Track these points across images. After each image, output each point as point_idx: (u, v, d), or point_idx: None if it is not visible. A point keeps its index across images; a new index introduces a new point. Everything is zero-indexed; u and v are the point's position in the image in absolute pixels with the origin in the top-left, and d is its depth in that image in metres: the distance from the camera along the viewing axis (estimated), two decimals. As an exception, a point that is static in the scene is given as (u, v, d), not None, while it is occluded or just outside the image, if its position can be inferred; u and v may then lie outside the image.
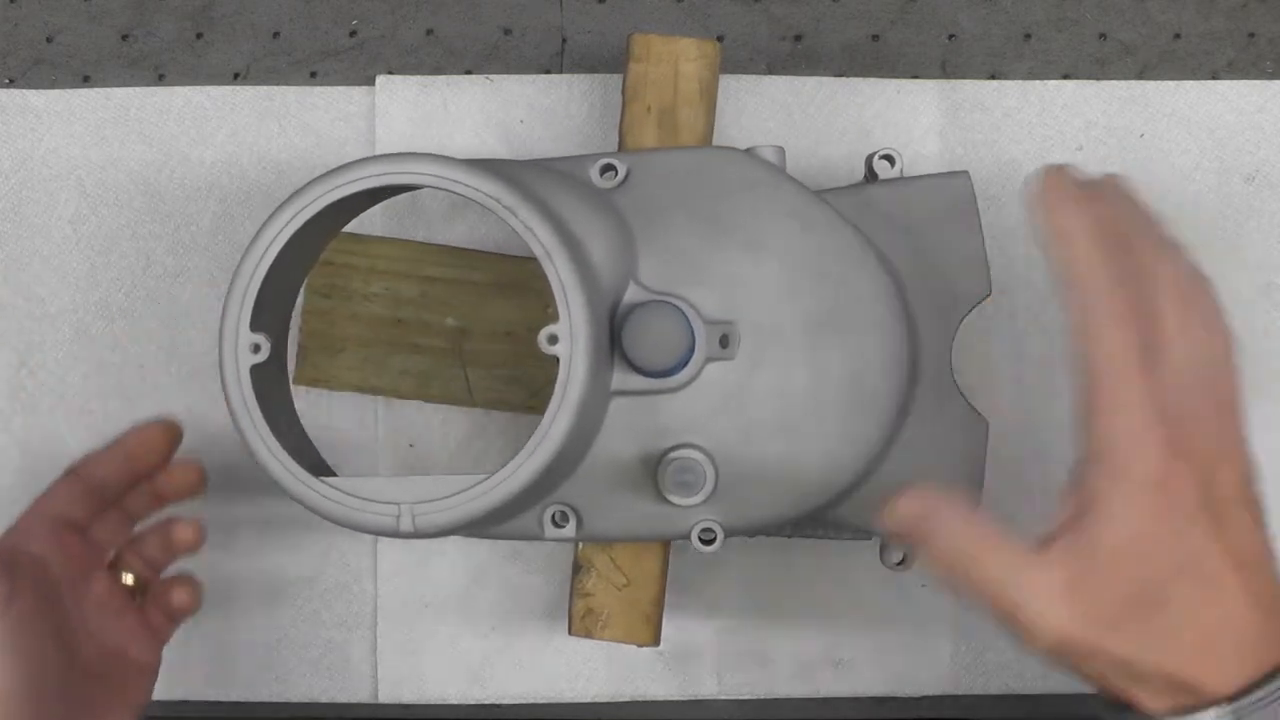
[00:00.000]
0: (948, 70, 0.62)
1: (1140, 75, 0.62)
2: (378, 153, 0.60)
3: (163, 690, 0.60)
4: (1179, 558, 0.38)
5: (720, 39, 0.62)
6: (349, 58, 0.63)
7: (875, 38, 0.63)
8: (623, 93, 0.55)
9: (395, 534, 0.46)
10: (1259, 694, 0.37)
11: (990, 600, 0.40)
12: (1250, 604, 0.38)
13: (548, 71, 0.62)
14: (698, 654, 0.60)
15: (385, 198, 0.49)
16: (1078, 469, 0.40)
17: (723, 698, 0.60)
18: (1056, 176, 0.42)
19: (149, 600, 0.53)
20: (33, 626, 0.47)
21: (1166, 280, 0.41)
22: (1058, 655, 0.39)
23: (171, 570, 0.54)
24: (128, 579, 0.52)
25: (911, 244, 0.51)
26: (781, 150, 0.51)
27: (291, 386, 0.52)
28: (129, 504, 0.53)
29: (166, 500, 0.54)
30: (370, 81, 0.62)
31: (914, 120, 0.61)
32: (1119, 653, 0.38)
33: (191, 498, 0.54)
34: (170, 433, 0.53)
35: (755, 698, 0.60)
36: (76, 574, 0.50)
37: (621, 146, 0.54)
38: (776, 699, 0.60)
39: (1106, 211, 0.42)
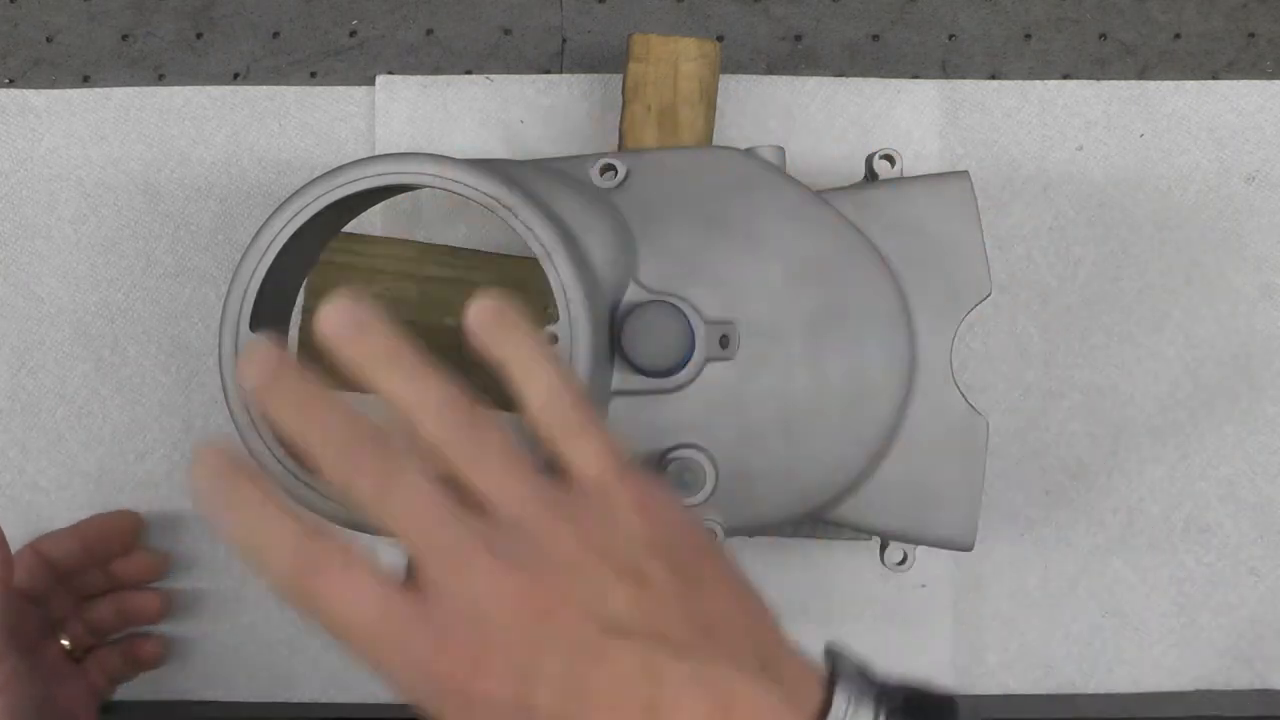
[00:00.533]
0: (948, 70, 0.62)
1: (1140, 75, 0.62)
2: (378, 153, 0.60)
3: (163, 690, 0.60)
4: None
5: (720, 39, 0.62)
6: (349, 58, 0.63)
7: (875, 38, 0.63)
8: (623, 93, 0.55)
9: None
10: None
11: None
12: None
13: (548, 71, 0.62)
14: (698, 654, 0.60)
15: (385, 198, 0.49)
16: None
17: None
18: (199, 474, 0.32)
19: (91, 662, 0.56)
20: (18, 688, 0.50)
21: (372, 484, 0.33)
22: None
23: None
24: (64, 643, 0.56)
25: (911, 244, 0.51)
26: (781, 150, 0.51)
27: (291, 386, 0.52)
28: (85, 581, 0.57)
29: (122, 584, 0.58)
30: (370, 81, 0.62)
31: (914, 120, 0.61)
32: None
33: (151, 582, 0.59)
34: (131, 524, 0.58)
35: (755, 698, 0.60)
36: (34, 641, 0.54)
37: (621, 146, 0.54)
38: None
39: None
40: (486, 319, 0.36)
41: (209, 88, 0.62)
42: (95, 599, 0.57)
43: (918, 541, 0.50)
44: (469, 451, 0.33)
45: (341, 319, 0.35)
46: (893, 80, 0.61)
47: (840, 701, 0.32)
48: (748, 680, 0.32)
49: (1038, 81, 0.62)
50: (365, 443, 0.33)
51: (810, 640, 0.60)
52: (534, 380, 0.35)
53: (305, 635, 0.60)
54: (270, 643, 0.60)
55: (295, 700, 0.60)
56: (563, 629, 0.31)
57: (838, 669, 0.34)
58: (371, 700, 0.60)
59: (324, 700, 0.60)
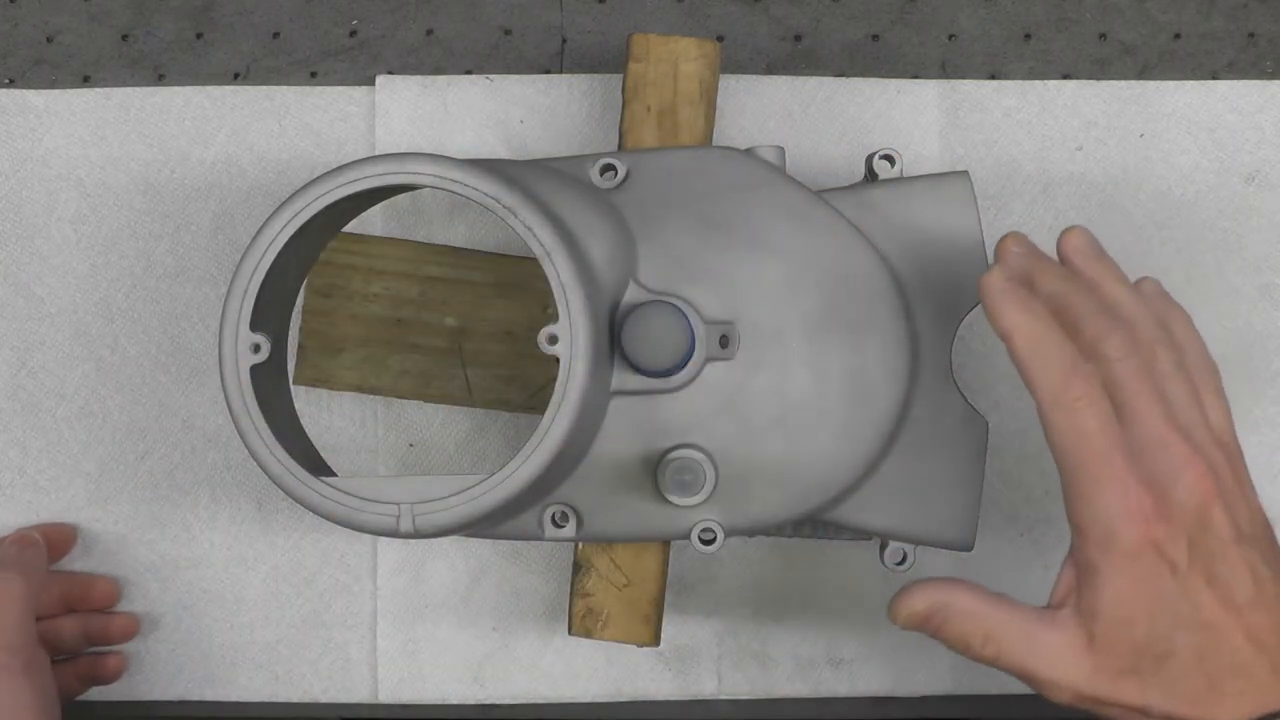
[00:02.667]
0: (948, 70, 0.62)
1: (1140, 75, 0.62)
2: (378, 153, 0.60)
3: (163, 690, 0.60)
4: (1174, 612, 0.41)
5: (720, 39, 0.62)
6: (349, 58, 0.63)
7: (875, 38, 0.63)
8: (623, 93, 0.55)
9: (395, 534, 0.46)
10: None
11: (1011, 667, 0.43)
12: (1250, 644, 0.41)
13: (548, 71, 0.62)
14: (698, 654, 0.60)
15: (385, 198, 0.49)
16: (1072, 541, 0.43)
17: (723, 698, 0.60)
18: (994, 277, 0.43)
19: (64, 666, 0.58)
20: (44, 670, 0.52)
21: (1120, 347, 0.42)
22: (1078, 708, 0.43)
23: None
24: None
25: (911, 244, 0.51)
26: (781, 150, 0.51)
27: (291, 386, 0.53)
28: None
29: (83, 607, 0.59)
30: (370, 81, 0.62)
31: (914, 120, 0.61)
32: (1132, 701, 0.41)
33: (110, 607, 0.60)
34: (68, 535, 0.60)
35: (755, 698, 0.60)
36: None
37: (621, 146, 0.54)
38: (776, 699, 0.60)
39: (1055, 289, 0.44)
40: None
41: (209, 88, 0.62)
42: (57, 619, 0.58)
43: (918, 541, 0.50)
44: (1169, 359, 0.43)
45: (1089, 240, 0.46)
46: (893, 80, 0.61)
47: None
48: (1270, 653, 0.41)
49: (1038, 81, 0.62)
50: (1114, 316, 0.43)
51: (810, 640, 0.60)
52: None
53: (305, 635, 0.60)
54: (269, 643, 0.60)
55: (294, 700, 0.60)
56: (1217, 518, 0.41)
57: None
58: (371, 700, 0.60)
59: (324, 700, 0.60)
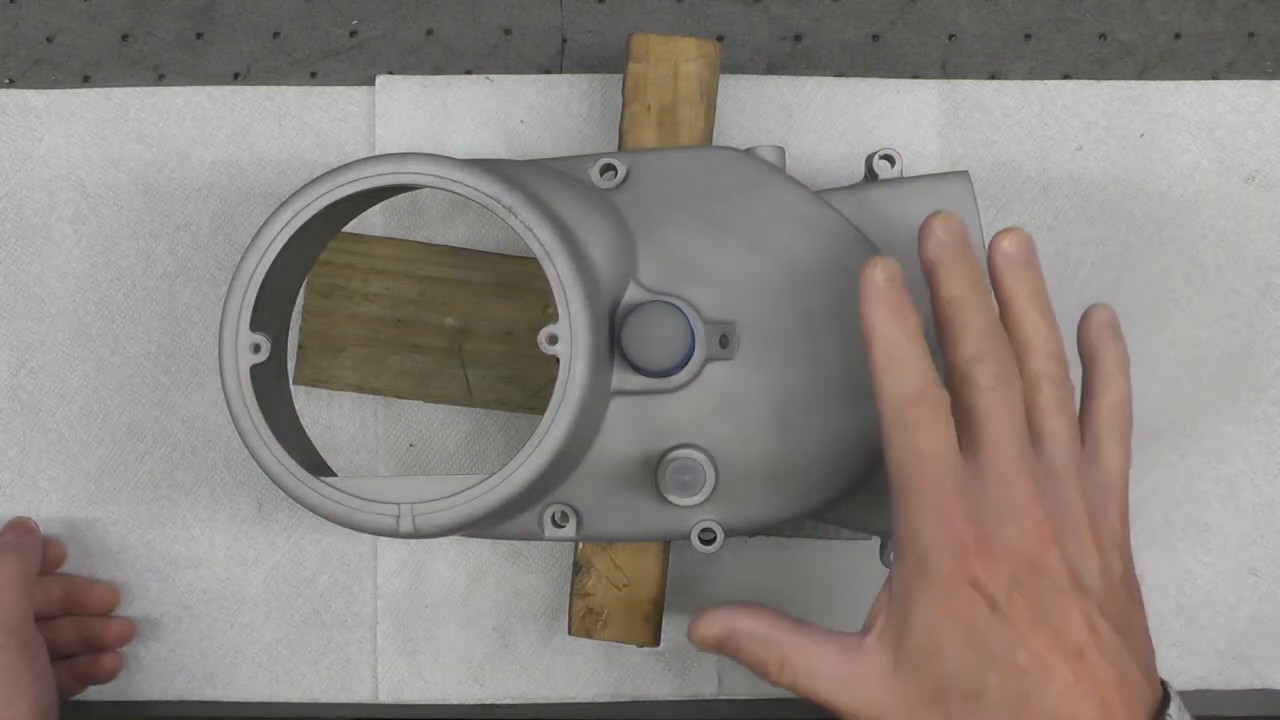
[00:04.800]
0: (948, 70, 0.62)
1: (1140, 75, 0.62)
2: (378, 153, 0.60)
3: (163, 690, 0.60)
4: (988, 650, 0.39)
5: (720, 39, 0.62)
6: (349, 58, 0.63)
7: (875, 38, 0.63)
8: (623, 93, 0.55)
9: (395, 534, 0.46)
10: None
11: (809, 694, 0.42)
12: (1088, 687, 0.39)
13: (548, 71, 0.62)
14: (698, 654, 0.60)
15: (385, 198, 0.49)
16: (892, 564, 0.42)
17: (723, 698, 0.60)
18: (875, 273, 0.41)
19: (61, 666, 0.57)
20: (43, 682, 0.52)
21: (992, 375, 0.41)
22: None
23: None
24: None
25: (912, 244, 0.51)
26: (781, 150, 0.51)
27: (291, 386, 0.53)
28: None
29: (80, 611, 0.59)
30: (370, 81, 0.62)
31: (914, 120, 0.61)
32: None
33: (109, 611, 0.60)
34: (55, 554, 0.59)
35: (755, 698, 0.60)
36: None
37: (621, 146, 0.54)
38: (776, 699, 0.60)
39: (953, 294, 0.42)
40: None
41: (209, 88, 0.62)
42: (55, 620, 0.58)
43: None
44: (1053, 396, 0.42)
45: (1021, 247, 0.43)
46: (893, 80, 0.61)
47: (1174, 709, 0.40)
48: (1137, 672, 0.40)
49: (1038, 81, 0.62)
50: (1000, 340, 0.42)
51: (810, 640, 0.60)
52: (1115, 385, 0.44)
53: (305, 635, 0.60)
54: (269, 643, 0.60)
55: (295, 700, 0.60)
56: (1051, 563, 0.39)
57: (1168, 689, 0.41)
58: (371, 700, 0.60)
59: (324, 700, 0.60)
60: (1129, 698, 0.39)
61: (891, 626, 0.41)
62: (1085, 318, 0.45)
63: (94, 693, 0.59)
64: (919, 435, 0.40)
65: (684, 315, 0.48)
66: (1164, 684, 0.41)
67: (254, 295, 0.46)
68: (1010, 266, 0.43)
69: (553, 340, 0.45)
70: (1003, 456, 0.40)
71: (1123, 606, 0.41)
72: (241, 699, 0.60)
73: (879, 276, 0.41)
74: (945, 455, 0.40)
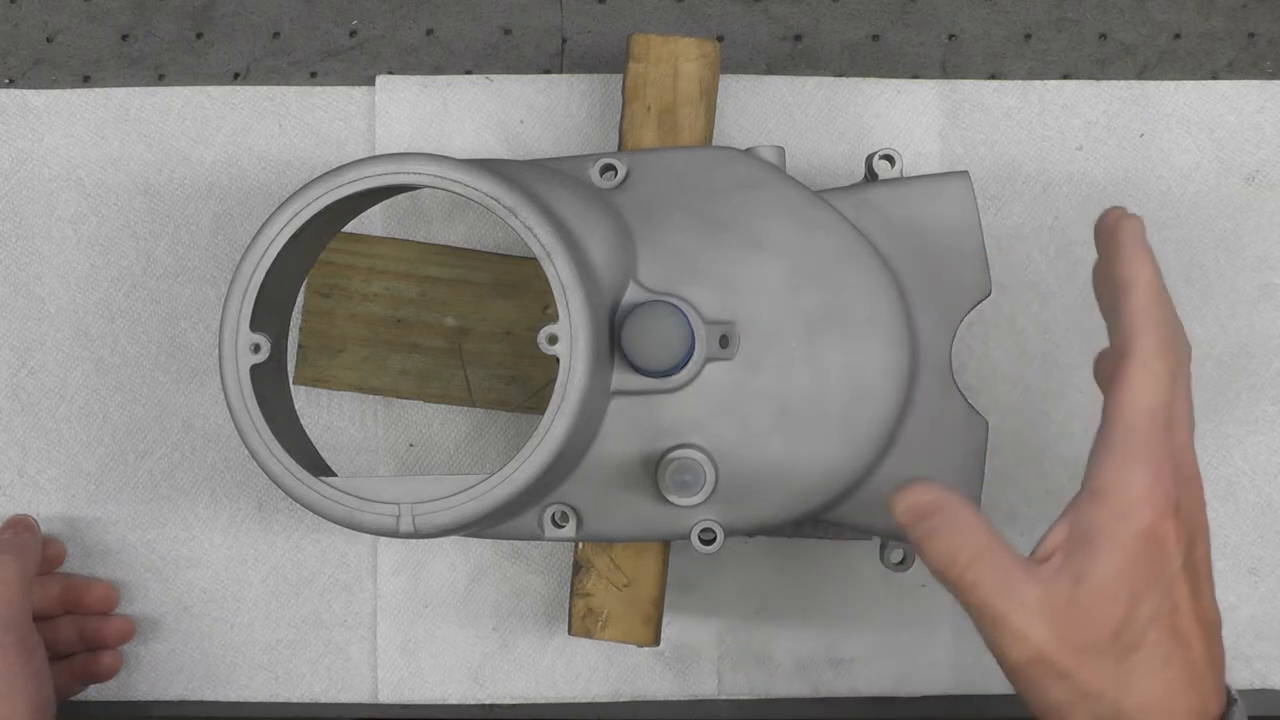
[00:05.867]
0: (948, 70, 0.62)
1: (1140, 75, 0.62)
2: (378, 153, 0.60)
3: (163, 690, 0.60)
4: (1158, 607, 0.40)
5: (720, 39, 0.62)
6: (349, 58, 0.63)
7: (875, 38, 0.63)
8: (623, 93, 0.55)
9: (395, 534, 0.46)
10: None
11: (979, 604, 0.40)
12: (1208, 665, 0.41)
13: (548, 71, 0.62)
14: (698, 654, 0.60)
15: (385, 198, 0.49)
16: (1081, 498, 0.41)
17: (723, 698, 0.60)
18: (1135, 222, 0.42)
19: (60, 665, 0.58)
20: (39, 680, 0.52)
21: (1187, 357, 0.43)
22: (1027, 670, 0.40)
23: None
24: None
25: (911, 244, 0.51)
26: (781, 150, 0.51)
27: (291, 386, 0.53)
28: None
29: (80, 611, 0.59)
30: (370, 81, 0.62)
31: (914, 120, 0.61)
32: (1088, 684, 0.40)
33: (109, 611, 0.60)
34: (56, 553, 0.60)
35: (755, 698, 0.60)
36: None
37: (621, 146, 0.54)
38: (776, 699, 0.60)
39: (1156, 276, 0.43)
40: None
41: (209, 88, 0.62)
42: (54, 619, 0.58)
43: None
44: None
45: (1141, 227, 0.43)
46: (893, 80, 0.61)
47: (1238, 713, 0.42)
48: (1215, 676, 0.41)
49: (1038, 81, 0.62)
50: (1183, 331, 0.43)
51: (810, 640, 0.60)
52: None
53: (305, 635, 0.60)
54: (269, 643, 0.60)
55: (294, 700, 0.60)
56: (1202, 539, 0.42)
57: (1232, 693, 0.43)
58: (371, 700, 0.60)
59: (324, 700, 0.60)
60: (1219, 686, 0.41)
61: (1073, 563, 0.40)
62: (1100, 221, 0.45)
63: (94, 692, 0.59)
64: (1163, 384, 0.41)
65: (684, 315, 0.48)
66: (1227, 688, 0.43)
67: (254, 295, 0.46)
68: (1140, 247, 0.43)
69: (553, 340, 0.45)
70: (1183, 429, 0.42)
71: (1210, 605, 0.43)
72: (241, 699, 0.60)
73: (1134, 226, 0.42)
74: (1166, 409, 0.41)
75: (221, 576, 0.60)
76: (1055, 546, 0.41)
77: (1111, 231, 0.42)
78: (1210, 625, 0.41)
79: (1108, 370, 0.42)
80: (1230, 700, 0.42)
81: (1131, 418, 0.41)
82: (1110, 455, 0.41)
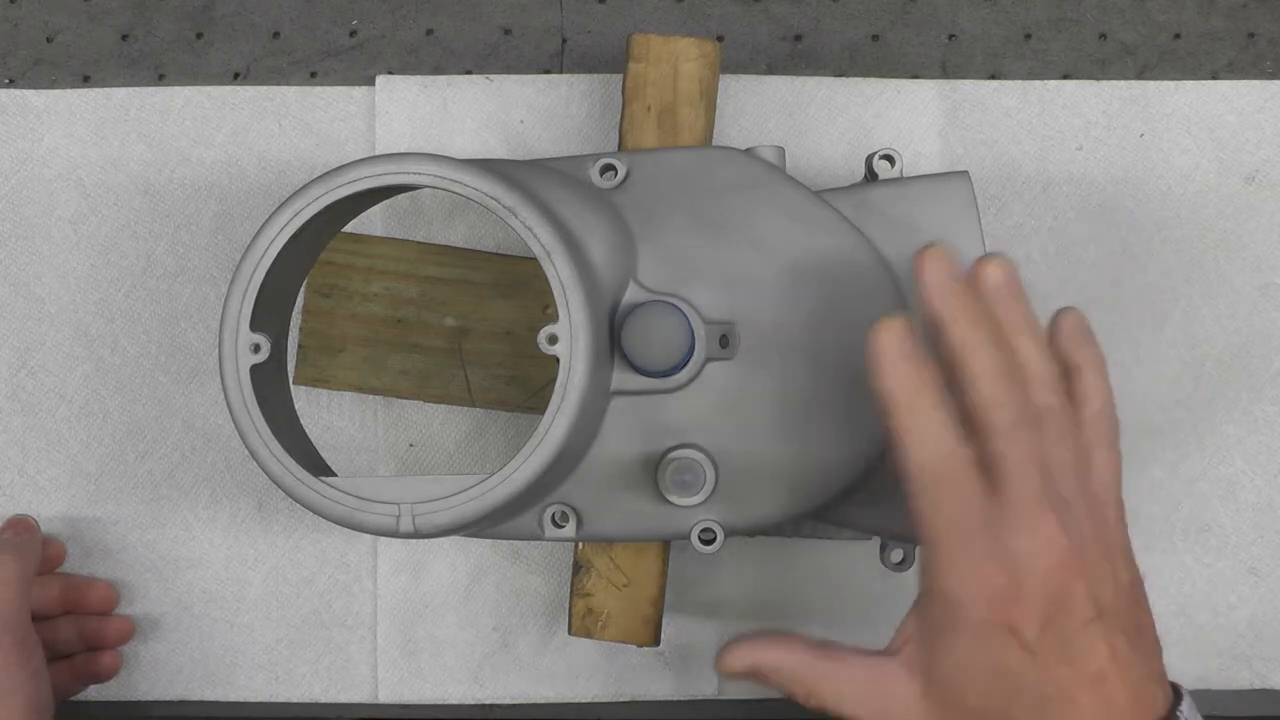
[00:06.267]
0: (948, 70, 0.62)
1: (1140, 75, 0.62)
2: (378, 153, 0.60)
3: (163, 690, 0.60)
4: (1016, 686, 0.40)
5: (720, 39, 0.62)
6: (349, 58, 0.63)
7: (875, 38, 0.63)
8: (623, 93, 0.55)
9: (395, 534, 0.46)
10: None
11: (853, 711, 0.43)
12: (1100, 714, 0.40)
13: (548, 71, 0.62)
14: (698, 654, 0.60)
15: (385, 198, 0.49)
16: (920, 595, 0.43)
17: (723, 698, 0.60)
18: (889, 334, 0.41)
19: (60, 665, 0.58)
20: (38, 680, 0.52)
21: (1010, 420, 0.41)
22: None
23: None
24: None
25: (911, 244, 0.51)
26: (781, 150, 0.51)
27: (291, 386, 0.53)
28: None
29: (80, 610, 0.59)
30: (370, 81, 0.62)
31: (914, 120, 0.61)
32: None
33: (108, 611, 0.60)
34: (55, 553, 0.60)
35: (755, 698, 0.60)
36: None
37: (621, 146, 0.54)
38: (776, 699, 0.60)
39: (962, 339, 0.42)
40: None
41: (209, 88, 0.62)
42: (54, 619, 0.58)
43: (918, 542, 0.50)
44: (1057, 427, 0.42)
45: (1007, 276, 0.43)
46: (893, 80, 0.61)
47: (1185, 707, 0.42)
48: (1150, 682, 0.41)
49: (1038, 81, 0.62)
50: (1011, 380, 0.41)
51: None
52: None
53: (305, 636, 0.60)
54: (269, 643, 0.60)
55: (294, 700, 0.60)
56: (1078, 598, 0.40)
57: (1179, 689, 0.43)
58: (371, 700, 0.60)
59: (324, 700, 0.60)
60: (1141, 711, 0.40)
61: (920, 656, 0.42)
62: (1055, 325, 0.45)
63: (94, 692, 0.59)
64: (948, 498, 0.41)
65: (684, 315, 0.48)
66: (1175, 686, 0.42)
67: (254, 295, 0.46)
68: (1005, 298, 0.43)
69: (553, 340, 0.45)
70: (1026, 498, 0.40)
71: (1134, 615, 0.42)
72: (241, 699, 0.60)
73: (887, 339, 0.41)
74: (974, 512, 0.40)
75: (221, 576, 0.60)
76: (906, 638, 0.43)
77: (870, 342, 0.42)
78: (1099, 674, 0.40)
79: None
80: (1175, 699, 0.41)
81: (928, 529, 0.41)
82: (928, 560, 0.42)
